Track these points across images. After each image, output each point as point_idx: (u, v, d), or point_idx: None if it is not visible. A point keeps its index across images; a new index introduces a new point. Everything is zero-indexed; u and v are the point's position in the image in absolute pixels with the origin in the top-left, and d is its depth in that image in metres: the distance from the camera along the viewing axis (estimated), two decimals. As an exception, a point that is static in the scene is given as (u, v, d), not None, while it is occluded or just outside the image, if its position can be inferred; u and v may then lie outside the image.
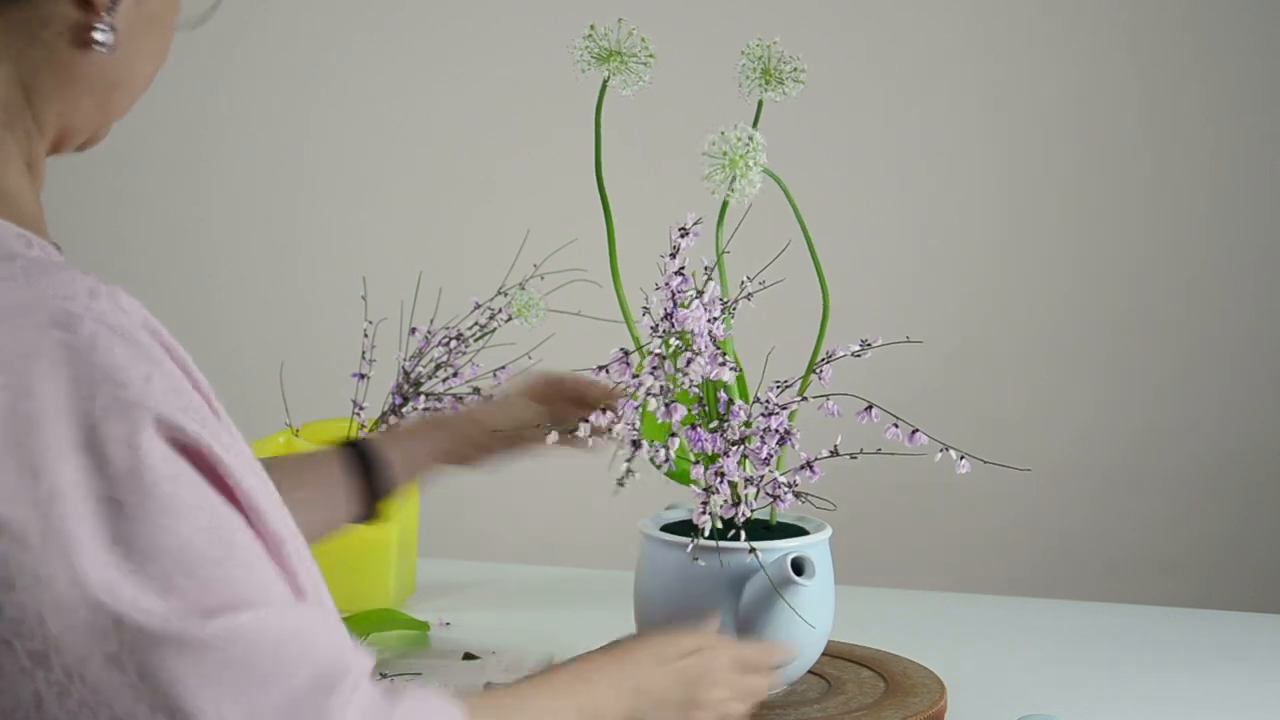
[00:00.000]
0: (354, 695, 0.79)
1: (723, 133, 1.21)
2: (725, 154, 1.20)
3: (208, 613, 0.75)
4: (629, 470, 1.19)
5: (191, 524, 0.76)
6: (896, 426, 1.25)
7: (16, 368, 0.75)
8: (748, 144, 1.20)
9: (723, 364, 1.19)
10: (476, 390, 1.64)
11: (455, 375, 1.66)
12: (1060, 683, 1.44)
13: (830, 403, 1.25)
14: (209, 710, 0.74)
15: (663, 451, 1.20)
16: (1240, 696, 1.42)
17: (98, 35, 0.87)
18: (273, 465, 1.23)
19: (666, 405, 1.19)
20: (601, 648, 1.06)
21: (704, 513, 1.20)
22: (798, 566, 1.21)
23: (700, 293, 1.21)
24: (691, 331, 1.19)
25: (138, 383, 0.77)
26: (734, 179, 1.20)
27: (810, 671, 1.34)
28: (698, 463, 1.22)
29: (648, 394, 1.18)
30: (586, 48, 1.26)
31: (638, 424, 1.19)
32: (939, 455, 1.24)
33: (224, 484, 0.79)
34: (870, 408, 1.25)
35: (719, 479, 1.21)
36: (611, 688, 1.01)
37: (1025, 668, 1.48)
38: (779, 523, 1.33)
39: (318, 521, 1.26)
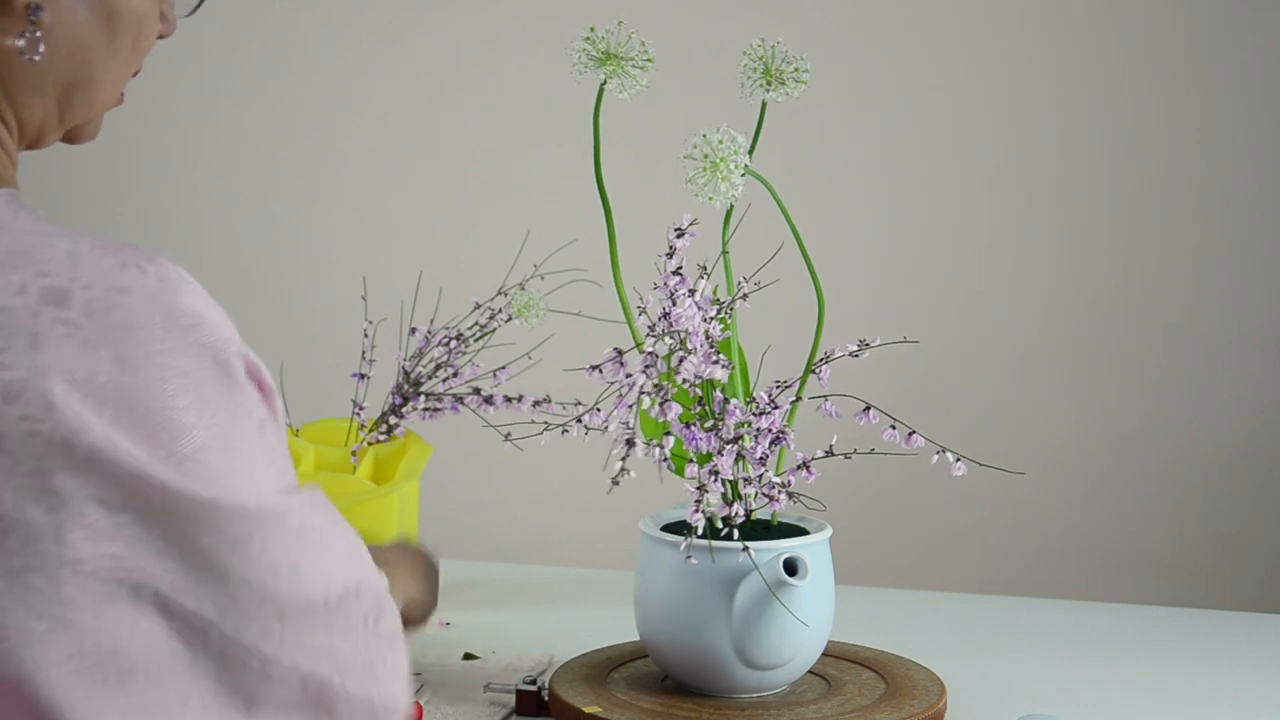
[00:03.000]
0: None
1: (704, 135, 1.21)
2: (707, 156, 1.20)
3: (288, 491, 0.85)
4: (624, 469, 1.19)
5: (270, 437, 0.86)
6: (894, 428, 1.25)
7: (143, 330, 0.81)
8: (730, 146, 1.20)
9: (715, 362, 1.19)
10: (477, 390, 1.64)
11: (455, 375, 1.66)
12: (1060, 683, 1.44)
13: (828, 403, 1.25)
14: (309, 568, 0.84)
15: (658, 450, 1.20)
16: (1240, 696, 1.42)
17: (17, 43, 0.87)
18: None
19: (661, 404, 1.19)
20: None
21: (697, 511, 1.21)
22: (790, 567, 1.21)
23: (693, 291, 1.21)
24: (686, 331, 1.20)
25: (223, 326, 0.85)
26: (717, 181, 1.20)
27: (810, 672, 1.34)
28: (692, 461, 1.23)
29: (641, 392, 1.18)
30: (584, 50, 1.26)
31: (633, 422, 1.19)
32: (935, 458, 1.24)
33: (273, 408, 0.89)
34: (868, 409, 1.25)
35: (713, 478, 1.21)
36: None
37: (1025, 668, 1.48)
38: (780, 522, 1.33)
39: None
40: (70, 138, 0.96)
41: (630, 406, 1.18)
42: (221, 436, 0.82)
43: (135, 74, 0.95)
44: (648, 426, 1.28)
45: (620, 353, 1.21)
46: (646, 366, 1.19)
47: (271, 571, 0.83)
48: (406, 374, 1.67)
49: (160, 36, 0.96)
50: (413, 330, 1.69)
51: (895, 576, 2.46)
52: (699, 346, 1.20)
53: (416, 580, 1.13)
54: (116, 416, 0.79)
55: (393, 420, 1.69)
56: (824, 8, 2.70)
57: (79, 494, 0.78)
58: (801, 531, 1.32)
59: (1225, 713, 1.37)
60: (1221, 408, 2.67)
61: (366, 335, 1.73)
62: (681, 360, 1.19)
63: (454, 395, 1.65)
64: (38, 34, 0.87)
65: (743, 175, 1.22)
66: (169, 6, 0.96)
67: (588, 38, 1.26)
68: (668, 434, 1.21)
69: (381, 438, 1.69)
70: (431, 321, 1.69)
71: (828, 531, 1.30)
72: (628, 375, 1.20)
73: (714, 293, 1.25)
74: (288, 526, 0.84)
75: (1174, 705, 1.38)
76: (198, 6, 0.98)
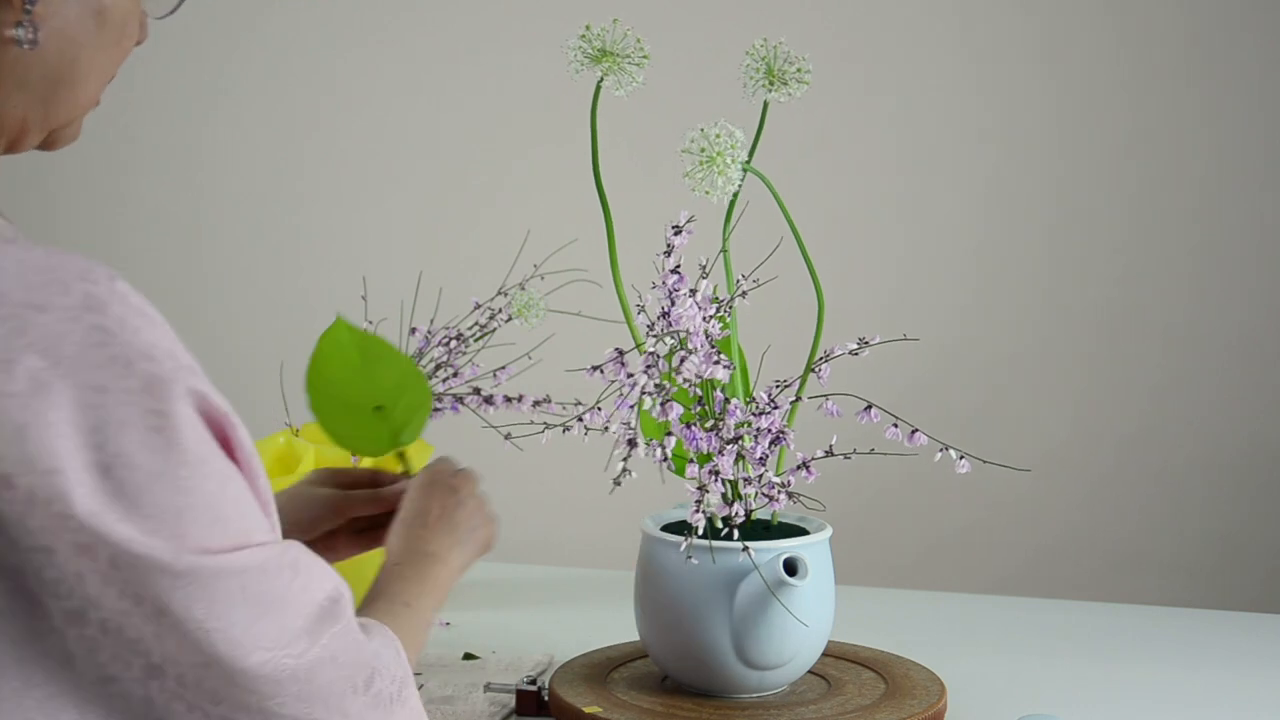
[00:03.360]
0: (350, 611, 0.91)
1: (702, 130, 1.21)
2: (704, 150, 1.20)
3: (222, 550, 0.83)
4: (625, 469, 1.19)
5: (211, 482, 0.83)
6: (896, 426, 1.25)
7: (51, 347, 0.79)
8: (727, 141, 1.20)
9: (716, 362, 1.19)
10: (477, 390, 1.64)
11: (455, 375, 1.66)
12: (1060, 683, 1.44)
13: (829, 402, 1.25)
14: (241, 630, 0.83)
15: (659, 450, 1.20)
16: (1240, 696, 1.42)
17: (15, 32, 0.87)
18: None
19: (662, 404, 1.19)
20: (400, 551, 1.17)
21: (697, 511, 1.21)
22: (790, 567, 1.21)
23: (694, 291, 1.21)
24: (686, 330, 1.20)
25: (168, 358, 0.83)
26: (714, 176, 1.20)
27: (810, 672, 1.34)
28: (693, 461, 1.22)
29: (642, 392, 1.18)
30: (580, 48, 1.26)
31: (634, 423, 1.19)
32: (938, 455, 1.24)
33: (232, 449, 0.87)
34: (869, 407, 1.25)
35: (713, 477, 1.21)
36: (438, 558, 1.15)
37: (1025, 668, 1.48)
38: (780, 522, 1.33)
39: None
40: (49, 142, 0.96)
41: (631, 407, 1.18)
42: (138, 472, 0.81)
43: (110, 79, 0.95)
44: (648, 427, 1.28)
45: (621, 353, 1.21)
46: (648, 367, 1.19)
47: (204, 634, 0.82)
48: (406, 374, 1.67)
49: (136, 43, 0.96)
50: (413, 330, 1.69)
51: (895, 576, 2.46)
52: (699, 346, 1.20)
53: (443, 565, 1.14)
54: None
55: (393, 420, 1.68)
56: (824, 8, 2.70)
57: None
58: (801, 531, 1.32)
59: (1225, 713, 1.37)
60: (1221, 408, 2.67)
61: (366, 335, 1.73)
62: (683, 360, 1.19)
63: (454, 395, 1.65)
64: (33, 23, 0.87)
65: (741, 171, 1.22)
66: (145, 16, 0.96)
67: (583, 35, 1.26)
68: (669, 434, 1.21)
69: (381, 438, 1.69)
70: (431, 321, 1.68)
71: (828, 531, 1.30)
72: (629, 375, 1.20)
73: (714, 291, 1.25)
74: (222, 588, 0.82)
75: (1174, 705, 1.38)
76: (176, 7, 0.98)
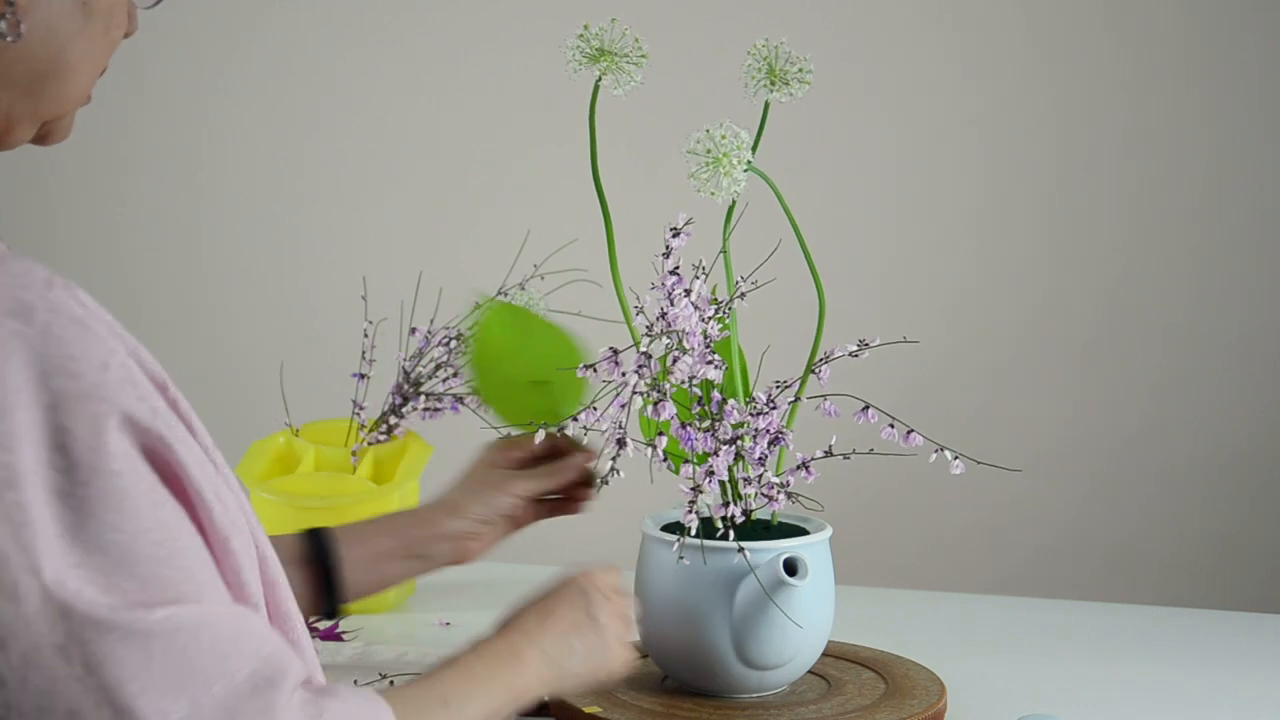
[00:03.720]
0: (293, 696, 0.80)
1: (708, 130, 1.21)
2: (709, 151, 1.20)
3: (149, 606, 0.76)
4: (614, 469, 1.19)
5: (138, 521, 0.78)
6: (893, 427, 1.25)
7: None
8: (733, 142, 1.20)
9: (709, 362, 1.19)
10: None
11: (455, 375, 1.66)
12: (1060, 683, 1.43)
13: (828, 403, 1.25)
14: (149, 704, 0.76)
15: (650, 450, 1.20)
16: (1240, 696, 1.42)
17: None
18: None
19: (655, 404, 1.19)
20: (494, 635, 1.06)
21: (690, 511, 1.21)
22: (790, 567, 1.21)
23: (688, 291, 1.21)
24: (683, 331, 1.20)
25: (94, 372, 0.78)
26: (719, 177, 1.20)
27: (811, 672, 1.34)
28: (688, 461, 1.23)
29: (634, 392, 1.18)
30: (578, 47, 1.26)
31: (624, 422, 1.19)
32: (934, 456, 1.24)
33: (175, 477, 0.81)
34: (867, 408, 1.25)
35: (709, 477, 1.21)
36: (523, 663, 1.02)
37: (1025, 668, 1.48)
38: (780, 522, 1.33)
39: None
40: (41, 136, 0.93)
41: (623, 406, 1.18)
42: (26, 499, 0.75)
43: (102, 73, 0.93)
44: (647, 426, 1.29)
45: (615, 352, 1.21)
46: (640, 366, 1.19)
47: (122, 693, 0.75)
48: (406, 374, 1.67)
49: (125, 35, 0.94)
50: (413, 330, 1.69)
51: (895, 576, 2.46)
52: (695, 346, 1.20)
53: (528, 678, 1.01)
54: None
55: (393, 420, 1.69)
56: (824, 8, 2.70)
57: None
58: (802, 531, 1.32)
59: (1225, 713, 1.37)
60: (1221, 408, 2.67)
61: (366, 335, 1.73)
62: (676, 360, 1.19)
63: (454, 395, 1.65)
64: (16, 15, 0.86)
65: (745, 171, 1.22)
66: (133, 6, 0.94)
67: (581, 35, 1.26)
68: (661, 433, 1.21)
69: (381, 438, 1.69)
70: (431, 321, 1.69)
71: (828, 531, 1.30)
72: (623, 375, 1.20)
73: (713, 292, 1.25)
74: (131, 647, 0.76)
75: (1174, 705, 1.38)
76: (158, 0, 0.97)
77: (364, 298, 1.76)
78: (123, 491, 0.77)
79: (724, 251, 1.28)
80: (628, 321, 1.29)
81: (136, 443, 0.79)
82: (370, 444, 1.69)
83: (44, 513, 0.76)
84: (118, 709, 0.75)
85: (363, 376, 1.71)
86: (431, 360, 1.67)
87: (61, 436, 0.76)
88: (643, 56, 1.26)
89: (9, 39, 0.86)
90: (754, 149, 1.26)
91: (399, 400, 1.68)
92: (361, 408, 1.71)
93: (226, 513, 0.84)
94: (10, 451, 0.75)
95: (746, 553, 1.21)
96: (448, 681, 0.95)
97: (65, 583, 0.75)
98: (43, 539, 0.75)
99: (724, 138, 1.20)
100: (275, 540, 1.20)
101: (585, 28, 1.26)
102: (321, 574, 1.24)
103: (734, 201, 1.25)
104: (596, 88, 1.28)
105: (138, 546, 0.77)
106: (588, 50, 1.26)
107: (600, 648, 1.07)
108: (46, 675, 0.75)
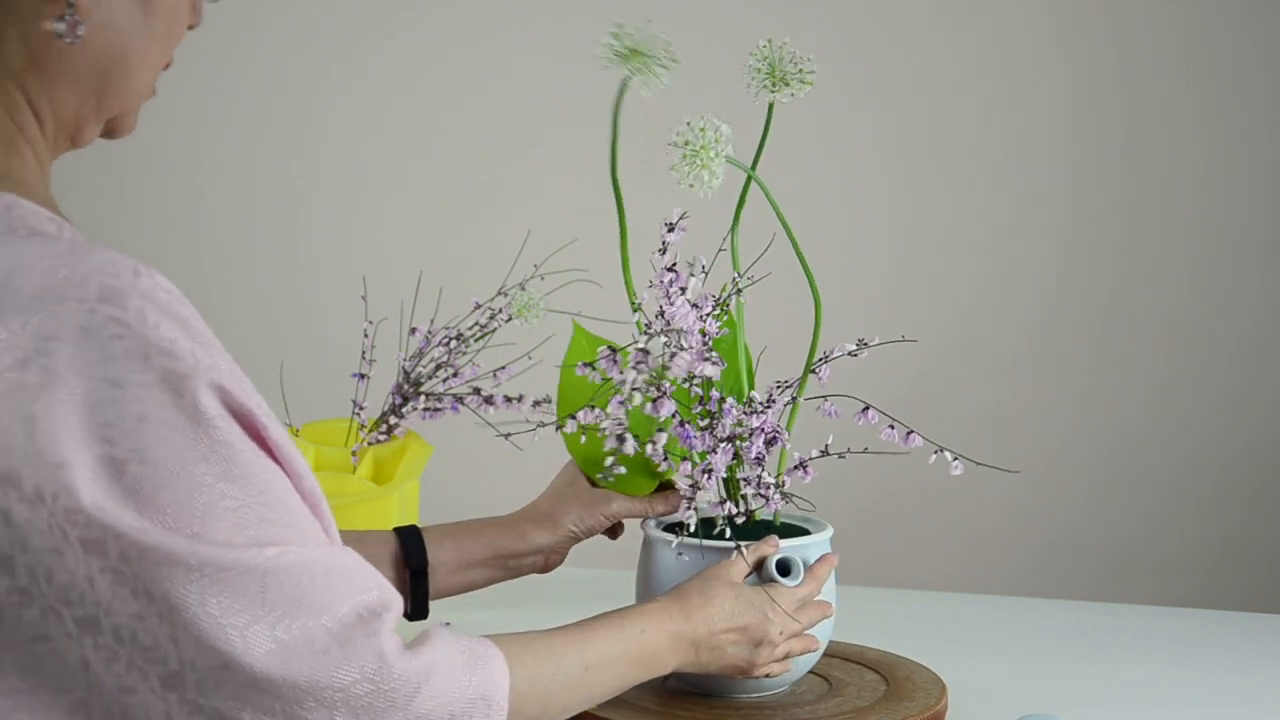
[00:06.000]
0: (395, 629, 0.87)
1: (688, 123, 1.21)
2: (689, 144, 1.20)
3: (244, 545, 0.81)
4: (612, 465, 1.19)
5: (233, 478, 0.82)
6: (893, 428, 1.25)
7: (65, 340, 0.79)
8: (712, 135, 1.20)
9: (706, 359, 1.19)
10: (477, 390, 1.64)
11: (455, 375, 1.66)
12: (1060, 683, 1.43)
13: (828, 403, 1.25)
14: (259, 631, 0.80)
15: (649, 448, 1.20)
16: (1240, 696, 1.42)
17: (57, 26, 0.87)
18: None
19: (654, 401, 1.19)
20: (669, 594, 1.13)
21: (689, 508, 1.21)
22: (783, 568, 1.21)
23: (683, 289, 1.20)
24: (682, 328, 1.19)
25: (187, 354, 0.82)
26: (699, 170, 1.20)
27: (811, 672, 1.33)
28: (686, 459, 1.23)
29: (632, 389, 1.18)
30: (611, 45, 1.26)
31: (623, 419, 1.19)
32: (933, 457, 1.24)
33: (267, 446, 0.85)
34: (867, 409, 1.25)
35: (706, 476, 1.21)
36: (671, 638, 1.09)
37: (1025, 668, 1.48)
38: (783, 523, 1.33)
39: None
40: (108, 131, 0.96)
41: (621, 403, 1.18)
42: (154, 467, 0.80)
43: (167, 66, 0.95)
44: (637, 423, 1.28)
45: (614, 350, 1.21)
46: (637, 363, 1.19)
47: (218, 631, 0.79)
48: (406, 374, 1.67)
49: (190, 27, 0.96)
50: (413, 330, 1.69)
51: (895, 576, 2.46)
52: (693, 344, 1.20)
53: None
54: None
55: (393, 420, 1.69)
56: (824, 9, 2.70)
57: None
58: (803, 532, 1.32)
59: (1225, 713, 1.37)
60: (1221, 408, 2.67)
61: (366, 335, 1.73)
62: (673, 357, 1.19)
63: (454, 395, 1.65)
64: (76, 17, 0.87)
65: (724, 164, 1.22)
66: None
67: (614, 33, 1.26)
68: (660, 431, 1.21)
69: (381, 438, 1.69)
70: (431, 321, 1.69)
71: (828, 531, 1.30)
72: (621, 373, 1.20)
73: (722, 290, 1.25)
74: (239, 584, 0.80)
75: (1174, 705, 1.38)
76: None
77: (364, 298, 1.76)
78: (229, 452, 0.82)
79: (731, 249, 1.28)
80: (638, 325, 1.29)
81: (234, 415, 0.83)
82: (370, 444, 1.69)
83: (143, 482, 0.79)
84: (224, 653, 0.80)
85: (363, 376, 1.71)
86: (431, 360, 1.67)
87: (168, 414, 0.80)
88: (673, 60, 1.26)
89: (69, 40, 0.88)
90: (759, 150, 1.26)
91: (399, 400, 1.68)
92: (361, 408, 1.71)
93: (315, 482, 0.88)
94: (119, 430, 0.79)
95: (744, 551, 1.21)
96: (595, 645, 1.04)
97: (155, 532, 0.79)
98: (129, 501, 0.79)
99: (703, 131, 1.20)
100: (366, 536, 1.26)
101: (619, 26, 1.26)
102: (409, 575, 1.27)
103: (742, 198, 1.25)
104: (624, 87, 1.27)
105: (248, 492, 0.82)
106: (620, 49, 1.26)
107: (751, 658, 1.15)
108: (141, 645, 0.79)
